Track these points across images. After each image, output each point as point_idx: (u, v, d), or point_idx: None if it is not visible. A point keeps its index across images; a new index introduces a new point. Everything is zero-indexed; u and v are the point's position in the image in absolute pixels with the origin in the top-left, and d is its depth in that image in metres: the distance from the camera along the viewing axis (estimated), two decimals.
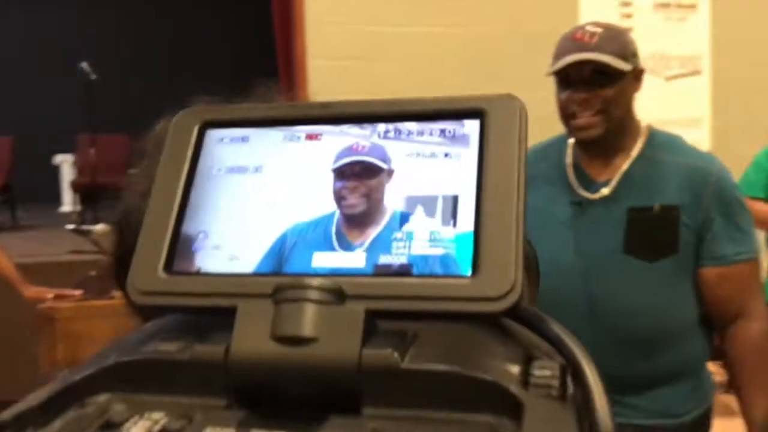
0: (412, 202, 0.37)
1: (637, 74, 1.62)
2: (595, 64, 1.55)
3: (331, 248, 0.37)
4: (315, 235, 0.37)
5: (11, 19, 8.93)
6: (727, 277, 1.59)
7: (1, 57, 8.68)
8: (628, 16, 3.47)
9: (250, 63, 5.46)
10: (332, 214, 0.38)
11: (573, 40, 1.58)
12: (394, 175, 0.38)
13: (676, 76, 3.52)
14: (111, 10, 9.00)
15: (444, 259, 0.35)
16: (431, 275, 0.35)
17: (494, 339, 0.37)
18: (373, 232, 0.37)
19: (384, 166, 0.38)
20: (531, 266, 0.36)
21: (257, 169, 0.40)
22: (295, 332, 0.33)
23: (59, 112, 8.12)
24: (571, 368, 0.34)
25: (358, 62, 3.46)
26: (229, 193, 0.40)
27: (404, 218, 0.37)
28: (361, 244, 0.37)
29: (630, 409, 1.58)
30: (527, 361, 0.34)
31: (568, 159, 1.68)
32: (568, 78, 1.59)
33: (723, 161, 1.65)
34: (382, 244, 0.36)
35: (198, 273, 0.38)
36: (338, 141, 0.40)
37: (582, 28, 1.62)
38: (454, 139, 0.38)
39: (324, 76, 3.42)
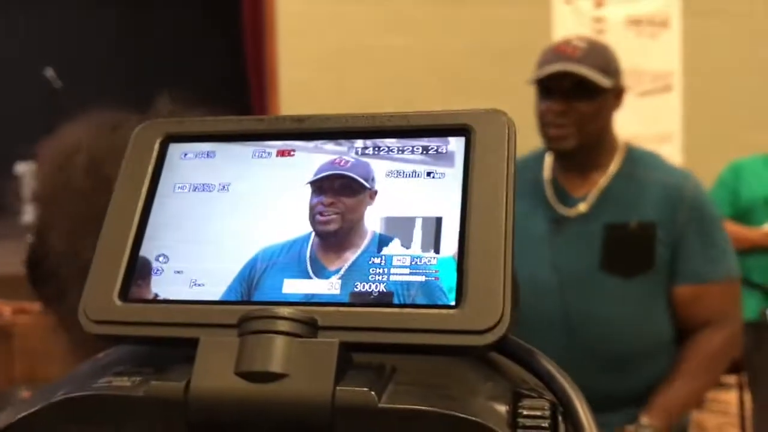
0: (392, 224, 0.35)
1: (618, 92, 1.62)
2: (576, 76, 1.54)
3: (305, 274, 0.34)
4: (287, 259, 0.35)
5: None
6: (701, 296, 1.57)
7: None
8: (601, 31, 3.50)
9: (222, 72, 5.42)
10: (307, 237, 0.35)
11: (556, 52, 1.58)
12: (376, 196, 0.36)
13: (648, 92, 3.55)
14: (73, 11, 8.88)
15: (426, 287, 0.33)
16: (412, 305, 0.33)
17: (479, 373, 0.34)
18: (350, 257, 0.34)
19: (366, 185, 0.36)
20: (515, 285, 0.33)
21: (224, 187, 0.37)
22: (262, 367, 0.31)
23: (21, 118, 7.97)
24: (561, 406, 0.32)
25: (329, 74, 3.45)
26: (193, 213, 0.37)
27: (383, 242, 0.34)
28: (337, 270, 0.34)
29: (602, 426, 1.56)
30: (515, 399, 0.32)
31: (546, 174, 1.67)
32: (549, 89, 1.58)
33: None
34: (359, 269, 0.34)
35: (157, 300, 0.35)
36: (312, 158, 0.37)
37: (567, 40, 1.63)
38: (438, 156, 0.36)
39: (295, 88, 3.39)
